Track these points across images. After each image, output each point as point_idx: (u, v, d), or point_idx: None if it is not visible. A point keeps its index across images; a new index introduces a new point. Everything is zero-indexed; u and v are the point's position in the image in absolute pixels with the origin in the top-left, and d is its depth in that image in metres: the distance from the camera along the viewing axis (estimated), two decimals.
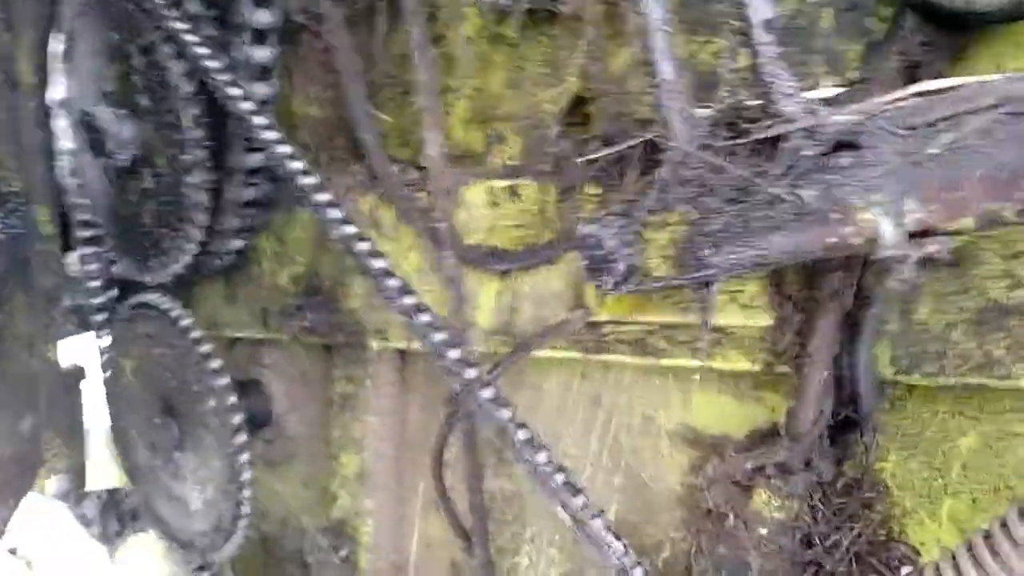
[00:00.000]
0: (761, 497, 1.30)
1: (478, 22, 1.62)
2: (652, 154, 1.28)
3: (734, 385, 1.47)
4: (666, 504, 1.59)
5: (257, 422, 2.30)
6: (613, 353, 1.54)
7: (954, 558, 1.07)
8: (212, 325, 2.25)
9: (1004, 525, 1.01)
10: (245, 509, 2.03)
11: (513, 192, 1.60)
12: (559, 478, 1.41)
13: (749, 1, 1.09)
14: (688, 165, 1.16)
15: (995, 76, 0.96)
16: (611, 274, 1.26)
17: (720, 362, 1.39)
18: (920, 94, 0.99)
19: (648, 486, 1.63)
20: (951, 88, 0.97)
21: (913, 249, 0.97)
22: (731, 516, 1.32)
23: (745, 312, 1.31)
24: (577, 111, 1.53)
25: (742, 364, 1.36)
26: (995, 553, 1.02)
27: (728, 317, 1.33)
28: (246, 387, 2.31)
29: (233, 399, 1.99)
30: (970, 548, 1.06)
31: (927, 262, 1.00)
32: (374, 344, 1.94)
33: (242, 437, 2.01)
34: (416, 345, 1.85)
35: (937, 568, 1.10)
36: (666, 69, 1.18)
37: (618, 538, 1.34)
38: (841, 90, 1.17)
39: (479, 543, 1.83)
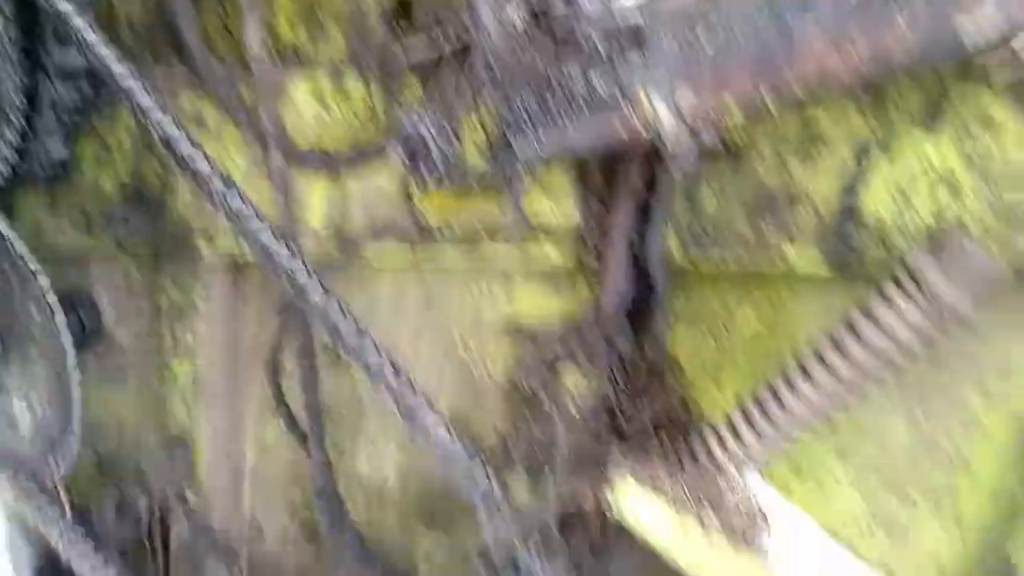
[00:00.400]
0: (569, 377, 1.40)
1: None
2: (467, 50, 1.31)
3: (551, 279, 1.55)
4: (493, 396, 1.68)
5: (87, 336, 2.23)
6: (440, 248, 1.59)
7: (730, 420, 1.21)
8: (35, 236, 2.14)
9: (771, 389, 1.15)
10: (76, 425, 1.98)
11: (340, 91, 1.60)
12: (391, 374, 1.46)
13: None
14: (497, 60, 1.21)
15: None
16: (429, 166, 1.30)
17: (535, 253, 1.46)
18: None
19: (477, 379, 1.71)
20: None
21: (690, 136, 1.06)
22: (545, 398, 1.42)
23: (554, 205, 1.39)
24: (401, 8, 1.54)
25: (554, 254, 1.44)
26: (764, 414, 1.17)
27: (539, 208, 1.41)
28: (73, 300, 2.22)
29: (58, 309, 1.92)
30: (743, 412, 1.20)
31: (704, 151, 1.10)
32: (203, 249, 1.91)
33: (70, 348, 1.95)
34: (246, 249, 1.84)
35: (716, 431, 1.24)
36: None
37: (450, 432, 1.42)
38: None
39: (315, 444, 1.87)
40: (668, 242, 1.30)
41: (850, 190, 1.17)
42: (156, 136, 1.57)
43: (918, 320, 1.00)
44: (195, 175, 1.52)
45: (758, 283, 1.33)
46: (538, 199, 1.38)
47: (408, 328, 1.80)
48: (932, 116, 1.12)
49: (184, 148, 1.55)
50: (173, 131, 1.55)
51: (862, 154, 1.16)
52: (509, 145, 1.22)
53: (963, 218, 1.09)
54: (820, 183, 1.18)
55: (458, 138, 1.27)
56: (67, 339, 1.93)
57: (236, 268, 1.99)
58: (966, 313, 0.99)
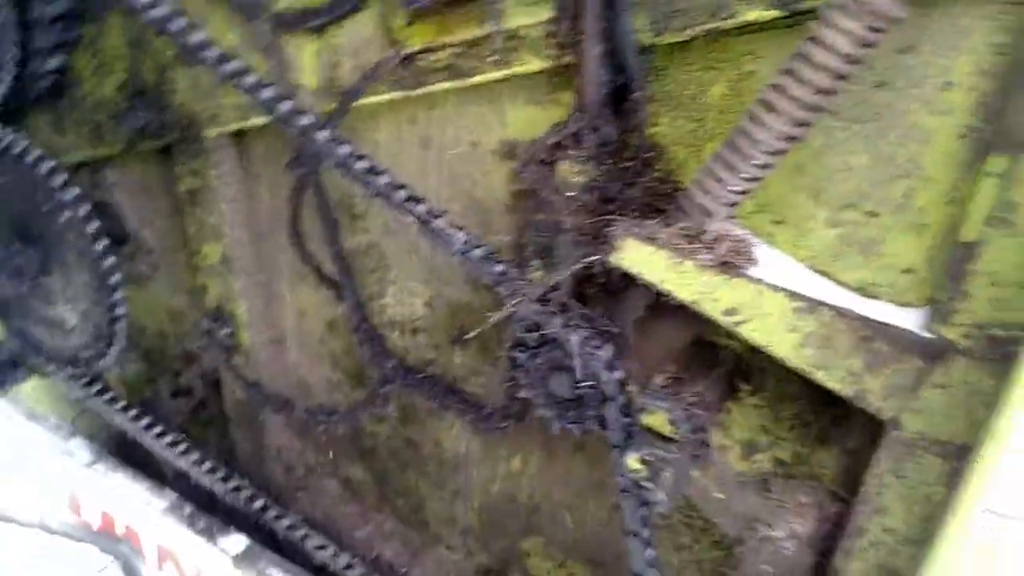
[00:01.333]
0: (563, 167, 1.56)
1: None
2: None
3: (535, 91, 1.68)
4: (498, 211, 1.83)
5: (114, 242, 2.38)
6: (431, 84, 1.72)
7: (707, 168, 1.36)
8: (48, 155, 2.27)
9: (737, 130, 1.30)
10: (120, 311, 2.15)
11: None
12: (402, 194, 1.62)
13: None
14: None
15: None
16: None
17: (519, 67, 1.60)
18: None
19: (481, 202, 1.87)
20: None
21: None
22: (543, 189, 1.57)
23: (530, 10, 1.51)
24: None
25: (536, 63, 1.57)
26: (735, 152, 1.32)
27: (517, 19, 1.53)
28: (95, 210, 2.37)
29: (86, 208, 2.07)
30: (716, 158, 1.35)
31: None
32: (210, 132, 2.04)
33: (105, 252, 2.10)
34: (251, 121, 1.97)
35: (697, 181, 1.39)
36: None
37: (460, 228, 1.58)
38: None
39: (347, 289, 2.04)
40: (636, 23, 1.43)
41: None
42: (156, 29, 1.67)
43: (857, 30, 1.14)
44: (200, 57, 1.62)
45: (722, 51, 1.46)
46: (512, 5, 1.51)
47: (411, 168, 1.94)
48: None
49: (187, 33, 1.65)
50: (180, 21, 1.65)
51: None
52: None
53: None
54: None
55: None
56: (97, 233, 2.09)
57: (240, 142, 2.12)
58: (898, 15, 1.13)
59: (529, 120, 1.72)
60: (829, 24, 1.17)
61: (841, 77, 1.19)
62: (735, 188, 1.33)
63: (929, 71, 1.31)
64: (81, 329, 2.25)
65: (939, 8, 1.29)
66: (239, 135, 2.08)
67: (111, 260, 2.06)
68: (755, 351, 1.42)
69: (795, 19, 1.32)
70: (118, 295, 2.11)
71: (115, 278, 2.08)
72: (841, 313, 1.33)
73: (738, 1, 1.36)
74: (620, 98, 1.52)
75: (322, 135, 1.62)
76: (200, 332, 2.34)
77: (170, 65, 2.02)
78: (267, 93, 1.63)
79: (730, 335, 1.44)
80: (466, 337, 1.94)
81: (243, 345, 2.29)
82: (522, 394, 1.60)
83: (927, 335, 1.30)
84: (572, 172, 1.55)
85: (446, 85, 1.71)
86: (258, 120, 1.94)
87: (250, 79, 1.62)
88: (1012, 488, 1.13)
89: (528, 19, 1.53)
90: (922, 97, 1.33)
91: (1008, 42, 1.24)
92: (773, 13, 1.32)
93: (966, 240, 1.26)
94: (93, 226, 2.04)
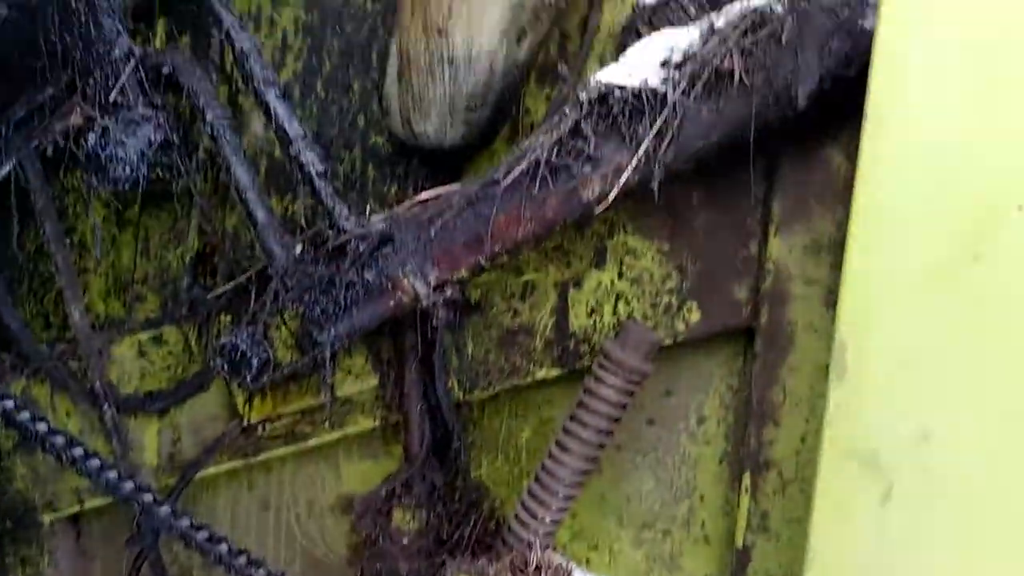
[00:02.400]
0: (398, 515, 1.71)
1: (104, 210, 1.96)
2: (265, 275, 1.69)
3: (369, 448, 1.87)
4: (338, 567, 1.91)
5: None
6: (270, 450, 1.87)
7: (521, 504, 1.57)
8: None
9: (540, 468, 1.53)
10: None
11: (157, 340, 1.91)
12: (242, 559, 1.69)
13: (307, 160, 1.61)
14: (291, 275, 1.61)
15: (454, 185, 1.56)
16: (249, 371, 1.64)
17: (352, 427, 1.80)
18: (421, 201, 1.56)
19: (323, 561, 1.94)
20: (435, 196, 1.56)
21: (438, 296, 1.51)
22: (381, 538, 1.70)
23: (358, 380, 1.76)
24: (202, 263, 1.92)
25: (367, 423, 1.78)
26: (542, 488, 1.54)
27: (347, 388, 1.77)
28: None
29: None
30: (527, 494, 1.56)
31: (453, 306, 1.54)
32: (46, 518, 2.04)
33: None
34: (89, 503, 2.00)
35: (515, 516, 1.59)
36: (260, 214, 1.65)
37: None
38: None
39: None
40: (450, 384, 1.70)
41: (561, 316, 1.65)
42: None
43: (617, 384, 1.45)
44: (42, 444, 1.71)
45: (525, 402, 1.75)
46: (342, 377, 1.75)
47: (251, 533, 2.00)
48: (600, 258, 1.65)
49: (38, 426, 1.75)
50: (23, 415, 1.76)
51: (563, 290, 1.66)
52: (312, 339, 1.60)
53: (633, 313, 1.60)
54: (539, 315, 1.66)
55: (268, 341, 1.63)
56: None
57: (76, 526, 2.11)
58: (647, 371, 1.46)
59: (364, 474, 1.88)
60: (598, 379, 1.47)
61: (615, 419, 1.47)
62: (547, 519, 1.53)
63: (688, 409, 1.64)
64: None
65: (687, 358, 1.65)
66: (75, 517, 2.08)
67: None
68: None
69: (575, 374, 1.64)
70: None
71: None
72: None
73: (529, 363, 1.67)
74: (444, 447, 1.74)
75: (163, 510, 1.69)
76: None
77: (7, 453, 2.06)
78: (110, 474, 1.72)
79: None
80: None
81: None
82: None
83: None
84: (406, 519, 1.69)
85: (284, 450, 1.86)
86: (96, 501, 1.97)
87: (94, 462, 1.71)
88: None
89: (357, 387, 1.77)
90: (687, 429, 1.64)
91: (738, 383, 1.60)
92: (557, 371, 1.64)
93: (739, 547, 1.50)
94: None
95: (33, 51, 1.82)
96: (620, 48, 1.57)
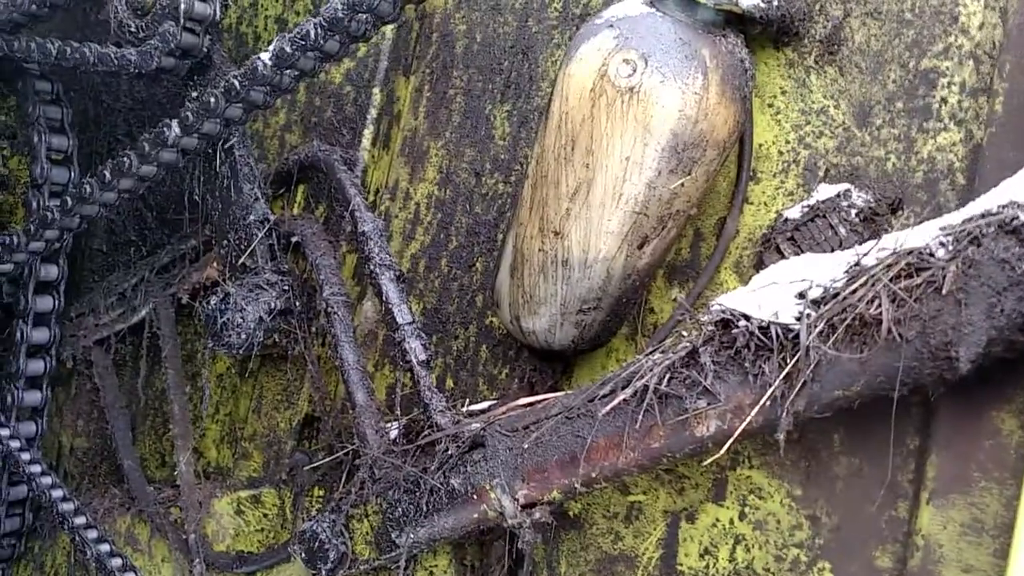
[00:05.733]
0: None
1: (226, 362, 1.98)
2: (358, 457, 1.62)
3: None
4: None
5: None
6: None
7: None
8: None
9: None
10: None
11: (256, 500, 1.87)
12: None
13: (411, 347, 1.54)
14: (379, 465, 1.52)
15: (563, 393, 1.43)
16: (324, 563, 1.54)
17: None
18: (521, 406, 1.44)
19: None
20: (537, 401, 1.43)
21: (525, 517, 1.35)
22: None
23: None
24: (309, 428, 1.88)
25: None
26: None
27: None
28: None
29: None
30: None
31: (543, 526, 1.38)
32: None
33: None
34: None
35: None
36: (360, 396, 1.58)
37: None
38: (487, 403, 1.60)
39: None
40: None
41: (668, 550, 1.45)
42: (88, 552, 1.78)
43: None
44: None
45: None
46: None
47: None
48: (719, 491, 1.45)
49: (112, 562, 1.75)
50: (103, 547, 1.77)
51: (673, 520, 1.46)
52: (390, 537, 1.48)
53: (753, 564, 1.37)
54: (643, 545, 1.46)
55: (349, 533, 1.53)
56: None
57: None
58: None
59: None
60: None
61: None
62: None
63: None
64: None
65: None
66: None
67: None
68: None
69: None
70: None
71: None
72: None
73: None
74: None
75: None
76: None
77: None
78: None
79: None
80: None
81: None
82: None
83: None
84: None
85: None
86: None
87: None
88: None
89: None
90: None
91: None
92: None
93: None
94: None
95: (187, 204, 1.91)
96: (758, 263, 1.41)
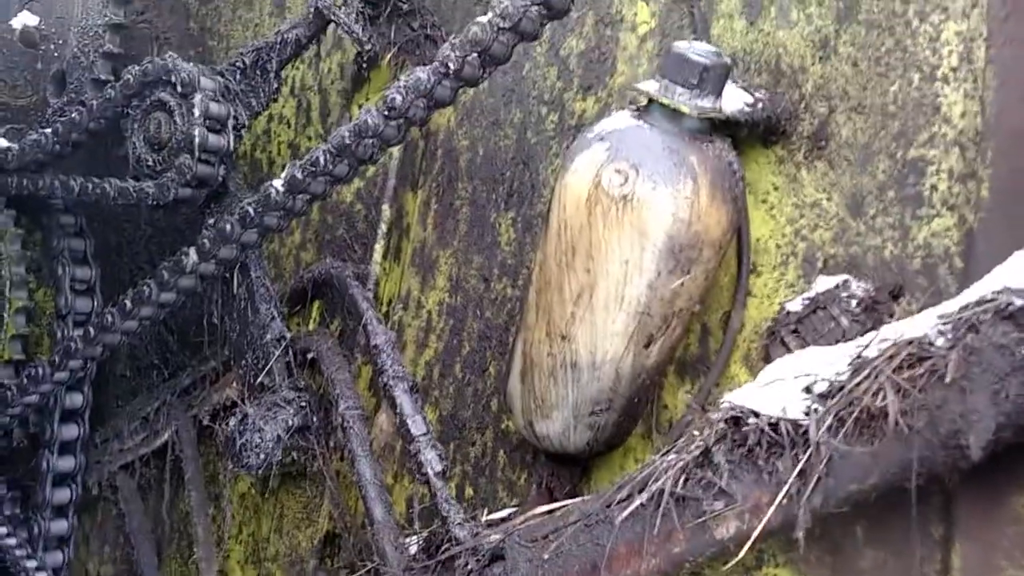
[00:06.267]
0: None
1: (248, 481, 1.99)
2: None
3: None
4: None
5: None
6: None
7: None
8: None
9: None
10: None
11: None
12: None
13: (426, 459, 1.54)
14: None
15: (581, 498, 1.42)
16: None
17: None
18: (540, 514, 1.43)
19: None
20: (558, 508, 1.42)
21: None
22: None
23: None
24: (330, 545, 1.87)
25: None
26: None
27: None
28: None
29: None
30: None
31: None
32: None
33: None
34: None
35: None
36: (378, 512, 1.58)
37: None
38: (507, 511, 1.59)
39: None
40: None
41: None
42: None
43: None
44: None
45: None
46: None
47: None
48: None
49: None
50: None
51: None
52: None
53: None
54: None
55: None
56: None
57: None
58: None
59: None
60: None
61: None
62: None
63: None
64: None
65: None
66: None
67: None
68: None
69: None
70: None
71: None
72: None
73: None
74: None
75: None
76: None
77: None
78: None
79: None
80: None
81: None
82: None
83: None
84: None
85: None
86: None
87: None
88: None
89: None
90: None
91: None
92: None
93: None
94: None
95: (207, 326, 1.96)
96: (765, 356, 1.42)
